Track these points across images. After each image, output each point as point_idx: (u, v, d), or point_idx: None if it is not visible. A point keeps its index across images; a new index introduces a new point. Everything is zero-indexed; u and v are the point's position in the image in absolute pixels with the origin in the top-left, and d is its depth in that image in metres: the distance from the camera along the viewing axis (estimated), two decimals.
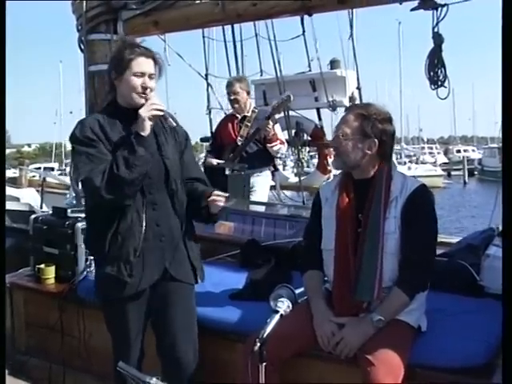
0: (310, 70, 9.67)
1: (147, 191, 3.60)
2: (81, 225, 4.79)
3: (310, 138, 9.50)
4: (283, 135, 7.65)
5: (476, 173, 59.37)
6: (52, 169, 51.70)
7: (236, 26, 8.99)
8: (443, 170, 56.32)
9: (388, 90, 79.09)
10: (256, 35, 9.38)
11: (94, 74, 6.03)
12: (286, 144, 7.38)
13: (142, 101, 3.59)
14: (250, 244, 5.15)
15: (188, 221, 3.80)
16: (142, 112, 3.52)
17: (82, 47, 6.09)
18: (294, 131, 8.94)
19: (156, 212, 3.64)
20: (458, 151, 72.50)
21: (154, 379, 2.92)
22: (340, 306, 3.57)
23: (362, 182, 3.62)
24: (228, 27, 9.10)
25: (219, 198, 3.67)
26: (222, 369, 4.01)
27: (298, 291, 3.86)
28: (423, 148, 78.06)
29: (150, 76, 3.64)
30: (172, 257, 3.70)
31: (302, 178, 8.85)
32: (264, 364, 2.83)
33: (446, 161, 67.66)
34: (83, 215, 4.92)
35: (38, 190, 9.21)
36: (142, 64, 3.62)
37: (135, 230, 3.57)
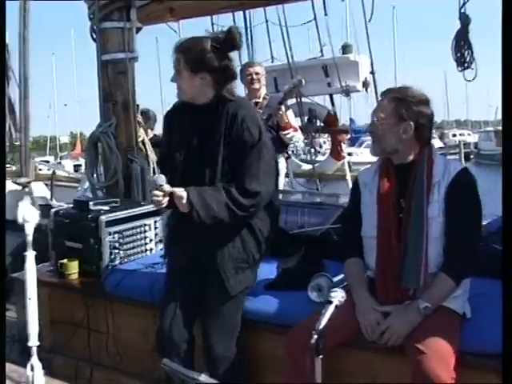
0: (322, 56, 9.53)
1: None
2: (105, 217, 4.68)
3: (322, 125, 9.37)
4: (296, 122, 7.54)
5: (472, 156, 59.33)
6: (47, 162, 51.50)
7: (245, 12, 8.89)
8: (440, 154, 56.15)
9: (384, 74, 79.02)
10: (266, 21, 9.26)
11: (107, 63, 5.92)
12: (299, 131, 7.27)
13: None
14: (278, 233, 5.03)
15: None
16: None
17: (94, 36, 6.00)
18: (306, 118, 8.83)
19: None
20: (454, 135, 72.37)
21: (203, 375, 2.84)
22: (384, 294, 3.47)
23: (402, 166, 3.52)
24: (238, 14, 9.00)
25: None
26: (262, 361, 3.92)
27: (335, 279, 3.80)
28: None
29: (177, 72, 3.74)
30: None
31: (315, 165, 8.75)
32: (321, 357, 2.74)
33: (442, 145, 67.55)
34: (106, 208, 4.85)
35: (46, 184, 9.09)
36: None
37: None
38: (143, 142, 6.26)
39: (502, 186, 2.92)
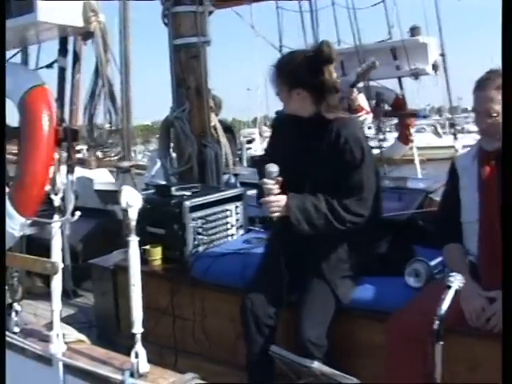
0: (390, 38, 9.38)
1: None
2: (189, 203, 4.63)
3: (390, 108, 9.25)
4: (368, 105, 7.42)
5: None
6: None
7: None
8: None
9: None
10: (333, 4, 9.12)
11: (179, 48, 5.88)
12: (371, 114, 7.16)
13: None
14: None
15: None
16: None
17: (166, 21, 5.95)
18: (374, 102, 8.68)
19: None
20: None
21: (316, 362, 2.78)
22: (488, 280, 3.37)
23: None
24: None
25: None
26: (360, 348, 3.82)
27: (432, 264, 3.72)
28: (466, 117, 76.87)
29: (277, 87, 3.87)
30: None
31: (382, 150, 8.63)
32: (441, 343, 2.67)
33: None
34: (188, 193, 4.80)
35: (111, 171, 9.09)
36: None
37: None
38: (215, 127, 6.19)
39: (502, 185, 2.99)
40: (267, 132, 49.31)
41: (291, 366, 2.86)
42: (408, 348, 3.22)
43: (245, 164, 12.92)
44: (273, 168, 3.64)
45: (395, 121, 11.20)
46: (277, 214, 3.67)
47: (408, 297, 3.55)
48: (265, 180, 3.65)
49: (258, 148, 34.90)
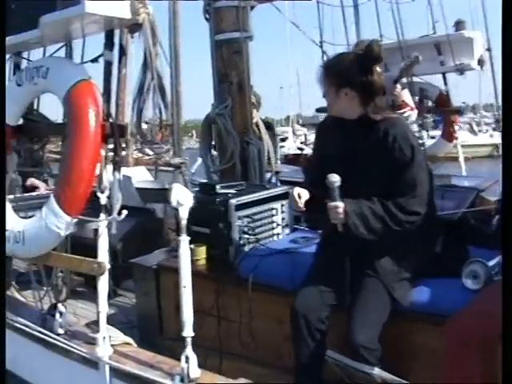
0: (434, 33, 9.23)
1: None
2: (235, 201, 4.52)
3: (434, 105, 9.12)
4: (412, 101, 7.30)
5: None
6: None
7: None
8: None
9: None
10: None
11: (221, 43, 5.80)
12: (415, 111, 7.04)
13: None
14: None
15: None
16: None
17: (208, 16, 5.88)
18: (417, 98, 8.54)
19: None
20: None
21: (377, 369, 2.66)
22: None
23: None
24: None
25: None
26: (416, 352, 3.64)
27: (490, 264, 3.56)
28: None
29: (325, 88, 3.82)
30: None
31: (426, 147, 8.47)
32: None
33: None
34: (233, 191, 4.70)
35: (149, 169, 9.01)
36: None
37: None
38: (257, 124, 6.09)
39: (503, 185, 2.90)
40: (300, 130, 49.33)
41: (347, 370, 2.74)
42: (467, 351, 3.09)
43: (279, 162, 12.87)
44: (334, 178, 3.57)
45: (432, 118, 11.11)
46: (337, 221, 3.60)
47: (466, 299, 3.39)
48: (301, 191, 3.71)
49: (292, 146, 34.88)
